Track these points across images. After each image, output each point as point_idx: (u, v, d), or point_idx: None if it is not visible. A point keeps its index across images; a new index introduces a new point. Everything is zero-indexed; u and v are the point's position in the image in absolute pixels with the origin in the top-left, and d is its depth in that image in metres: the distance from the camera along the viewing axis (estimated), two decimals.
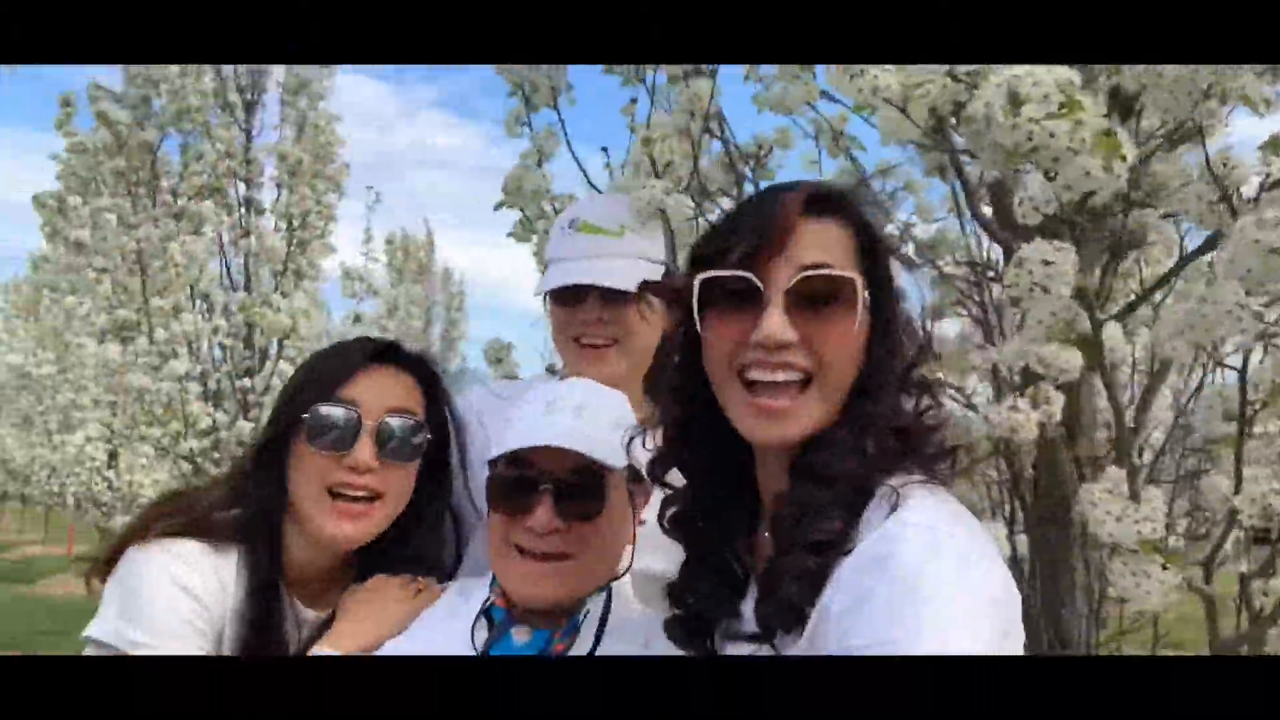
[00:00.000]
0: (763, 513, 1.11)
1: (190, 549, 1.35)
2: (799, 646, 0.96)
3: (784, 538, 0.99)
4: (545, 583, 1.27)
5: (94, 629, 1.33)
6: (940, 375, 1.11)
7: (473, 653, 1.26)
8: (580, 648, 1.27)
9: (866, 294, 1.03)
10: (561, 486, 1.26)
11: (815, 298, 1.01)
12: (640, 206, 1.86)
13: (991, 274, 1.82)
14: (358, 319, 7.80)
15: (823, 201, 1.06)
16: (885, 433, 1.01)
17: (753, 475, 1.12)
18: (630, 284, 1.61)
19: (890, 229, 2.08)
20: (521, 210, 2.26)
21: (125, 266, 5.96)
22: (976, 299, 2.03)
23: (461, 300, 13.78)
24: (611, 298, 1.61)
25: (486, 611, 1.31)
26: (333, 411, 1.38)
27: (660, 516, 1.19)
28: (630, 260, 1.65)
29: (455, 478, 1.58)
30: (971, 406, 1.91)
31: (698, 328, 1.07)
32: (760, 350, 1.01)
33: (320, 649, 1.33)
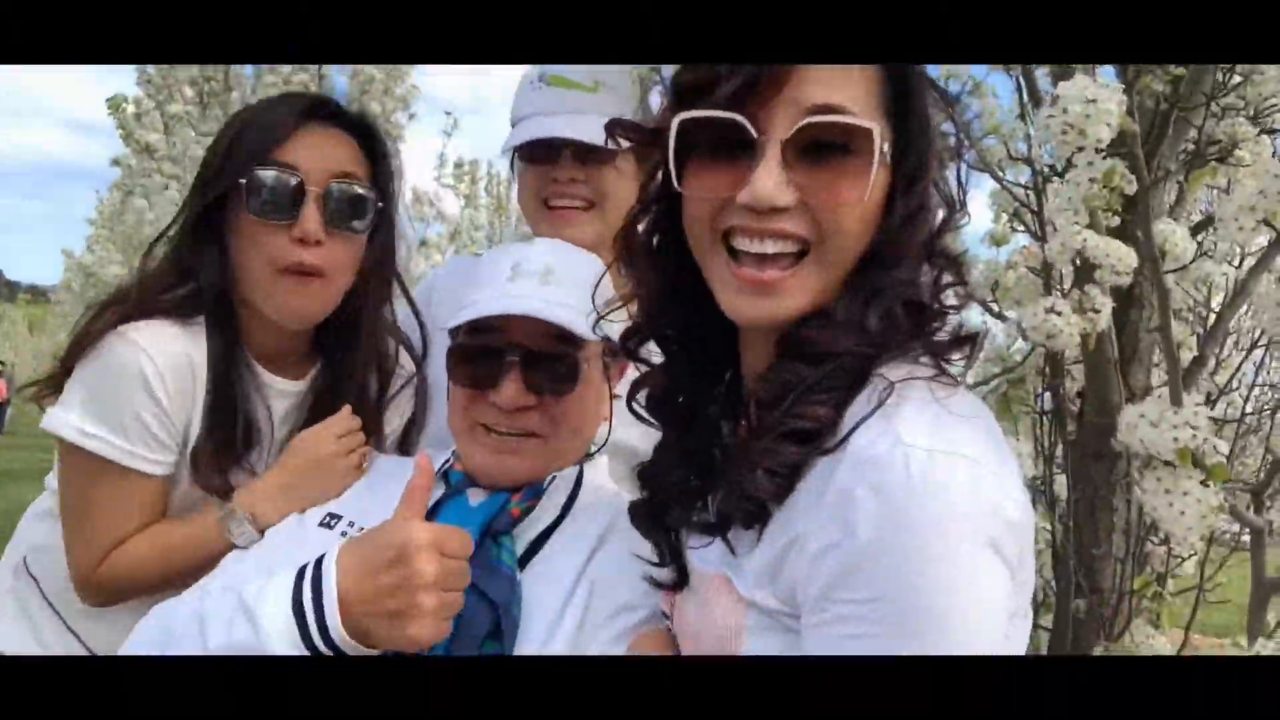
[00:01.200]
0: (746, 397, 0.96)
1: (155, 335, 1.27)
2: (755, 556, 0.84)
3: (760, 420, 0.85)
4: (513, 460, 1.17)
5: (51, 421, 1.27)
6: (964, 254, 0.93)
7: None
8: (542, 518, 1.18)
9: (888, 146, 0.84)
10: (531, 358, 1.15)
11: (821, 149, 0.83)
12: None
13: (1053, 173, 1.63)
14: (424, 243, 7.80)
15: None
16: (895, 306, 0.85)
17: (737, 354, 0.98)
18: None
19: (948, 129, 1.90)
20: None
21: (194, 173, 6.04)
22: (1034, 210, 1.84)
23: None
24: (587, 155, 1.50)
25: (444, 473, 1.22)
26: (272, 176, 1.26)
27: (630, 396, 1.06)
28: (606, 117, 1.50)
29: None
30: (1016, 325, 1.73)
31: (674, 181, 0.90)
32: (748, 214, 0.84)
33: (257, 500, 1.27)
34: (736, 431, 0.95)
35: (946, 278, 0.88)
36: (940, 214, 0.89)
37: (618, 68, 1.60)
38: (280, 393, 1.41)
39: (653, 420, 1.04)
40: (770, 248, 0.84)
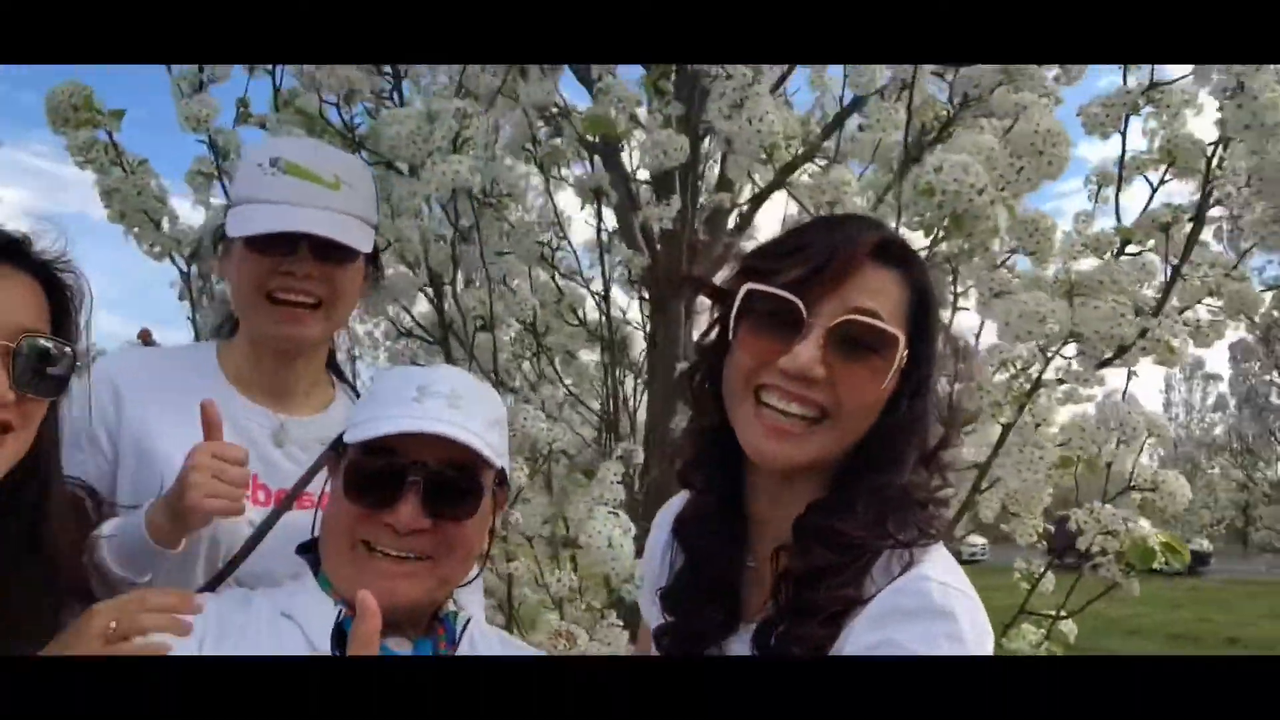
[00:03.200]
0: (749, 542, 1.10)
1: None
2: None
3: (798, 598, 0.98)
4: (404, 584, 1.13)
5: None
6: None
7: None
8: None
9: (906, 354, 1.01)
10: (434, 481, 1.14)
11: (855, 342, 0.99)
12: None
13: None
14: None
15: (893, 250, 1.04)
16: (905, 507, 1.01)
17: (744, 500, 1.11)
18: (354, 241, 1.45)
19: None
20: None
21: None
22: None
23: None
24: (327, 254, 1.43)
25: (338, 627, 1.12)
26: None
27: (679, 521, 1.16)
28: (348, 217, 1.47)
29: (92, 453, 1.35)
30: None
31: (729, 336, 1.04)
32: (783, 377, 1.00)
33: None
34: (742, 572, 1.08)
35: (937, 480, 1.07)
36: (939, 431, 1.06)
37: (359, 166, 1.59)
38: None
39: (681, 542, 1.14)
40: (795, 408, 1.00)
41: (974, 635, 0.91)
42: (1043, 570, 2.12)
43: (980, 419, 1.77)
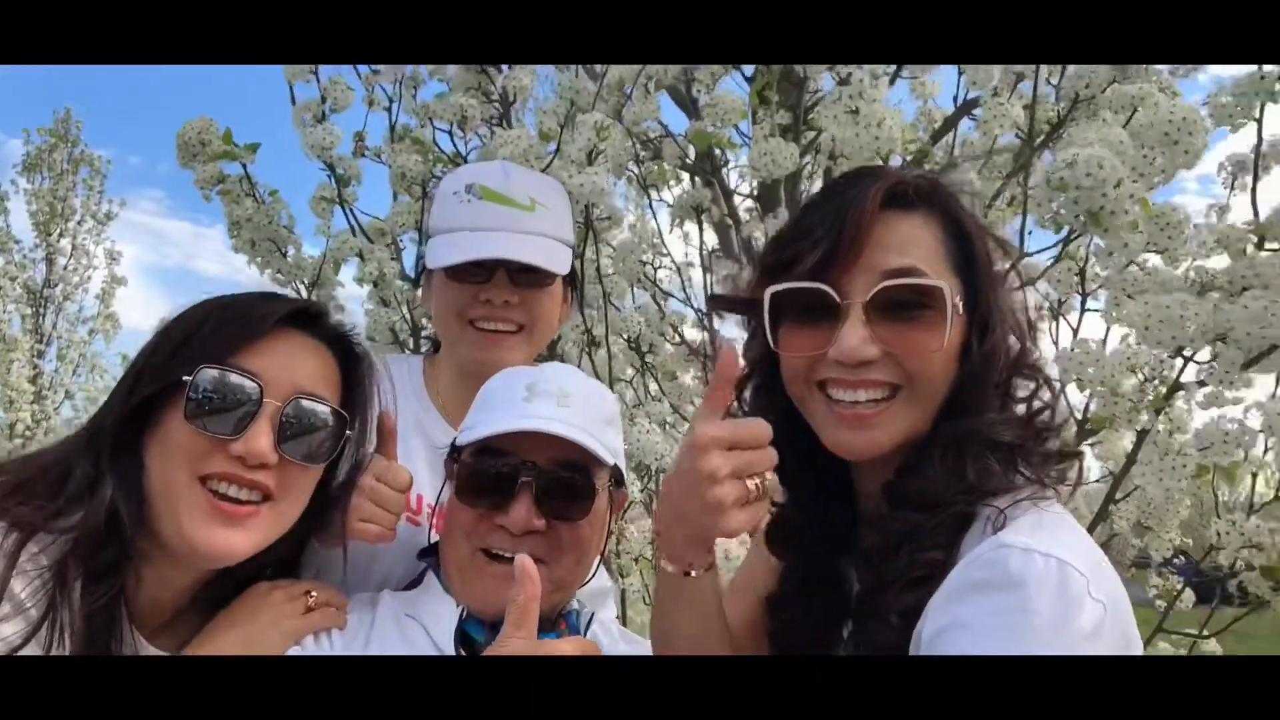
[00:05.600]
0: (862, 528, 1.03)
1: (31, 555, 0.97)
2: None
3: (878, 570, 0.92)
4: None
5: None
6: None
7: None
8: None
9: (959, 299, 0.94)
10: (545, 481, 1.14)
11: (899, 306, 0.92)
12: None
13: None
14: None
15: (906, 191, 0.95)
16: (985, 456, 0.92)
17: (851, 488, 1.05)
18: (549, 264, 1.44)
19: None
20: None
21: None
22: None
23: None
24: (523, 279, 1.44)
25: (460, 629, 1.15)
26: (226, 381, 1.04)
27: (768, 536, 1.12)
28: (544, 239, 1.47)
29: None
30: None
31: (771, 344, 0.99)
32: (839, 368, 0.94)
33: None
34: (858, 557, 1.00)
35: (1036, 402, 0.97)
36: (1014, 346, 0.98)
37: (554, 186, 1.57)
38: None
39: (778, 553, 1.10)
40: (862, 394, 0.94)
41: (1052, 606, 0.75)
42: (1180, 587, 2.04)
43: (1114, 425, 1.70)
